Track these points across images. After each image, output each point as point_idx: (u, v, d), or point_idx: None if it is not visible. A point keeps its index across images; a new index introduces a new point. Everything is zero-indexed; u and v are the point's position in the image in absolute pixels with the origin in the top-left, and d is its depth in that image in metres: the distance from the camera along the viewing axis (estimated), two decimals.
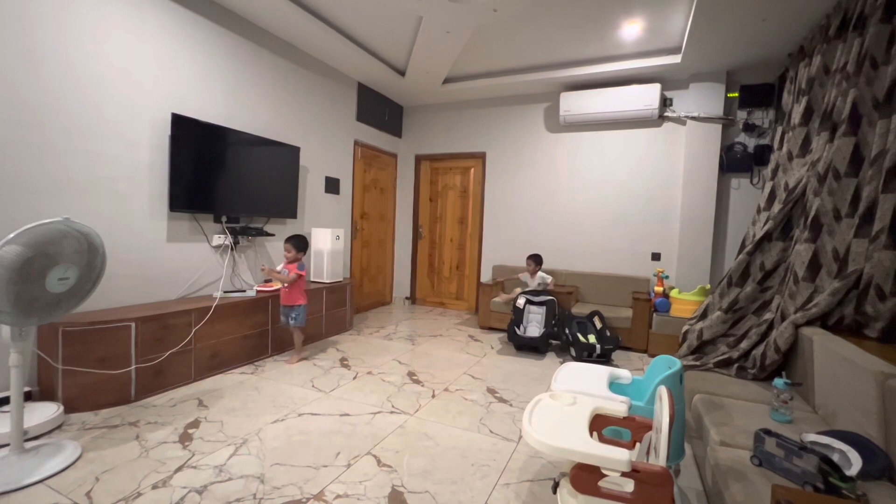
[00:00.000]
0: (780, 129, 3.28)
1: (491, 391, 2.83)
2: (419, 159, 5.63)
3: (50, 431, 2.06)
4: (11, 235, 1.60)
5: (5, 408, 2.03)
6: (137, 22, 2.70)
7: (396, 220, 5.76)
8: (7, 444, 1.78)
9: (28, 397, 2.23)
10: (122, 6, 2.61)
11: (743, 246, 3.02)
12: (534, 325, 3.89)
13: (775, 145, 3.29)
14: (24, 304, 1.69)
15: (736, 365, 2.48)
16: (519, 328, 3.82)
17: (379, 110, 5.16)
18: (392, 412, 2.45)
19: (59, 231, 1.74)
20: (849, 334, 2.10)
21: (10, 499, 1.58)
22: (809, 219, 2.39)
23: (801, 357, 2.16)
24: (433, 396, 2.70)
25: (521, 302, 3.96)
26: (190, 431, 2.14)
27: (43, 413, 2.08)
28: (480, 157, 5.23)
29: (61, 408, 2.16)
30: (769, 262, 2.71)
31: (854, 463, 1.31)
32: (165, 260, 2.95)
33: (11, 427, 1.76)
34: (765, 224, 2.82)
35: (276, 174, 3.67)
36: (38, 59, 2.27)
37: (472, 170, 5.34)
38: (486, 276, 5.18)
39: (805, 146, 2.78)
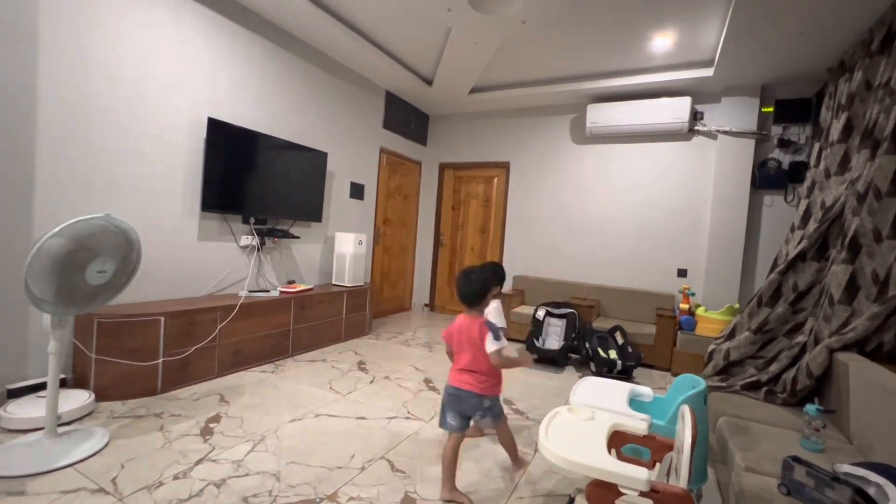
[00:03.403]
0: (817, 146, 3.16)
1: (507, 402, 2.80)
2: (443, 167, 5.67)
3: (81, 418, 2.15)
4: (57, 229, 1.70)
5: (42, 393, 2.13)
6: (179, 29, 2.83)
7: (418, 227, 5.80)
8: (42, 428, 1.87)
9: (63, 384, 2.33)
10: (166, 14, 2.75)
11: (775, 265, 2.91)
12: (553, 337, 3.84)
13: (812, 162, 3.17)
14: (65, 294, 1.78)
15: (764, 388, 2.38)
16: (538, 340, 3.77)
17: (405, 118, 5.24)
18: (407, 418, 2.46)
19: (100, 226, 1.83)
20: (888, 362, 1.99)
21: (42, 480, 1.66)
22: (847, 239, 2.29)
23: (836, 383, 2.05)
24: None
25: (540, 314, 3.92)
26: (211, 426, 2.19)
27: (76, 400, 2.18)
28: (504, 166, 5.23)
29: (93, 396, 2.26)
30: (803, 283, 2.60)
31: (892, 498, 1.24)
32: (195, 258, 3.05)
33: (47, 412, 1.84)
34: (799, 243, 2.71)
35: (304, 178, 3.77)
36: (87, 63, 2.41)
37: (496, 179, 5.35)
38: (506, 287, 5.13)
39: (844, 164, 2.68)
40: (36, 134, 2.24)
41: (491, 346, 1.71)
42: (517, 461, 1.94)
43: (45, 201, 2.29)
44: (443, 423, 1.83)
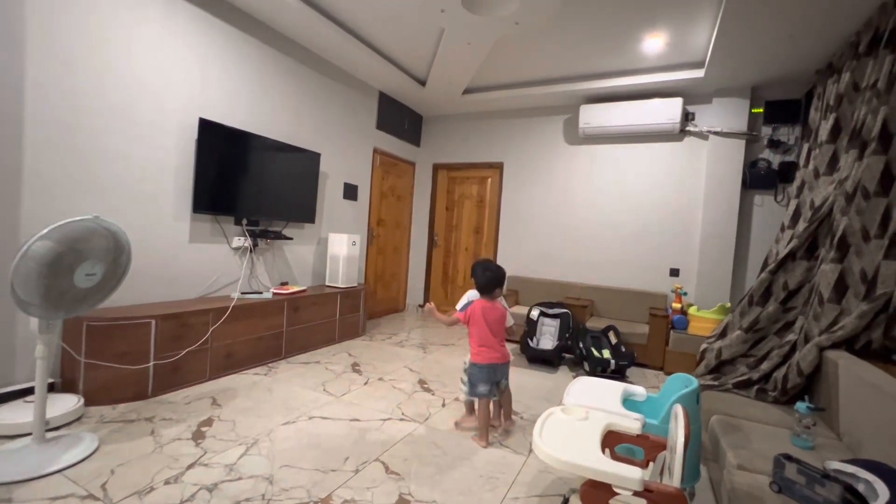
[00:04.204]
0: (806, 146, 3.20)
1: None
2: (437, 168, 5.67)
3: (70, 423, 2.12)
4: (44, 231, 1.67)
5: (29, 398, 2.10)
6: (169, 29, 2.80)
7: (412, 228, 5.80)
8: (30, 434, 1.84)
9: (51, 388, 2.30)
10: (155, 14, 2.72)
11: (765, 264, 2.94)
12: (547, 337, 3.85)
13: (801, 162, 3.21)
14: (53, 297, 1.75)
15: (756, 387, 2.40)
16: (532, 340, 3.78)
17: (399, 119, 5.23)
18: (402, 419, 2.45)
19: (89, 228, 1.81)
20: (876, 359, 2.02)
21: (30, 486, 1.63)
22: (836, 238, 2.32)
23: (825, 381, 2.08)
24: (443, 406, 2.69)
25: (534, 314, 3.93)
26: (203, 429, 2.17)
27: (64, 404, 2.14)
28: (498, 167, 5.24)
29: (82, 400, 2.22)
30: (793, 282, 2.63)
31: (881, 494, 1.26)
32: (187, 260, 3.02)
33: (34, 417, 1.81)
34: (789, 242, 2.74)
35: (297, 179, 3.74)
36: (75, 63, 2.38)
37: (490, 180, 5.35)
38: None
39: (832, 164, 2.71)
40: (23, 135, 2.21)
41: (511, 320, 2.40)
42: (510, 418, 2.39)
43: (32, 203, 2.25)
44: (474, 393, 2.25)
